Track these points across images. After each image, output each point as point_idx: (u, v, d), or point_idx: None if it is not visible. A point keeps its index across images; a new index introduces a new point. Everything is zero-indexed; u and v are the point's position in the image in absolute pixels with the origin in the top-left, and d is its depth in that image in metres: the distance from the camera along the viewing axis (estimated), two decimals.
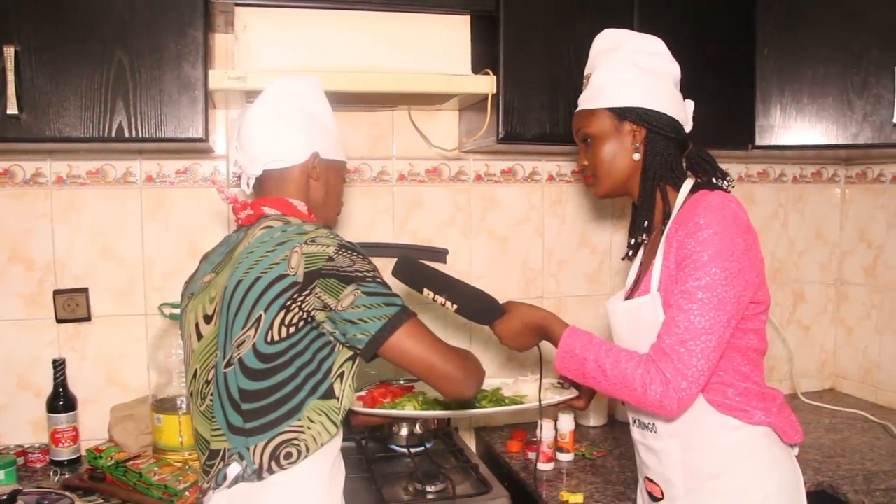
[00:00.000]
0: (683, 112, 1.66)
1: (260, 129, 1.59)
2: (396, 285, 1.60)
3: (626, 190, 1.69)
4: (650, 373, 1.45)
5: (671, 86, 1.65)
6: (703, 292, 1.44)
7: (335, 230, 1.56)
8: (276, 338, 1.41)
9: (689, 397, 1.44)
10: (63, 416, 2.21)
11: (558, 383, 1.98)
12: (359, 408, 1.86)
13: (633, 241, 1.74)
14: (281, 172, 1.60)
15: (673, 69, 1.66)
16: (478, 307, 1.70)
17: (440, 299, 1.69)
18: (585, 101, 1.69)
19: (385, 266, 1.72)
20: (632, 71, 1.62)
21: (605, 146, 1.66)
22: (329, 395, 1.47)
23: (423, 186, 2.57)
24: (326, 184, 1.66)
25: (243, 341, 1.43)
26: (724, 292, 1.44)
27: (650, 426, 1.64)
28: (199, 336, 1.54)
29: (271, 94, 1.61)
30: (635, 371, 1.46)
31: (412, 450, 2.33)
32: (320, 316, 1.42)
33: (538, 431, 2.21)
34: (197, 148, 2.18)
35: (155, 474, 2.02)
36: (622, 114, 1.63)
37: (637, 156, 1.63)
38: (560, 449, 2.31)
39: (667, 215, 1.62)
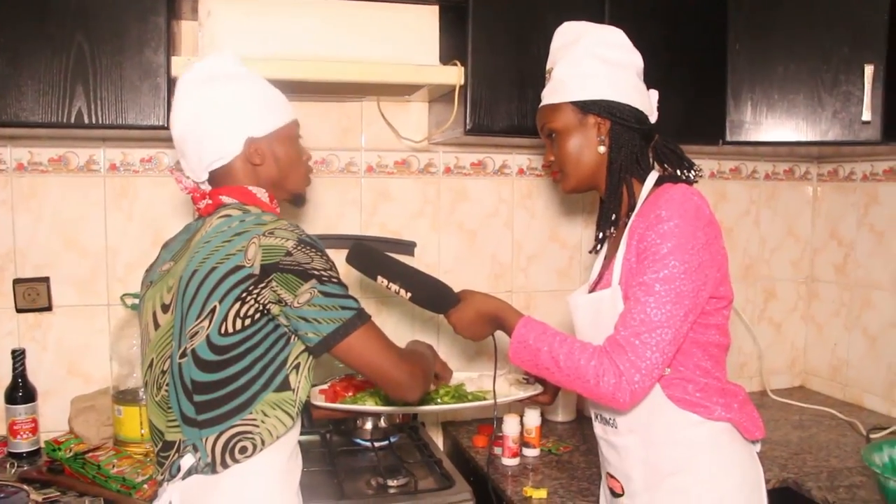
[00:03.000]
0: (648, 102, 1.65)
1: (186, 136, 1.55)
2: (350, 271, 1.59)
3: (593, 184, 1.67)
4: (603, 364, 1.43)
5: (634, 76, 1.63)
6: (660, 285, 1.43)
7: (296, 216, 1.54)
8: (231, 329, 1.39)
9: (641, 390, 1.43)
10: (22, 408, 2.17)
11: (524, 379, 1.96)
12: (319, 402, 1.85)
13: (600, 234, 1.72)
14: (226, 168, 1.55)
15: (635, 59, 1.64)
16: (432, 295, 1.69)
17: (394, 287, 1.68)
18: (548, 96, 1.68)
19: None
20: (593, 63, 1.61)
21: (571, 140, 1.64)
22: (284, 387, 1.46)
23: (392, 178, 2.54)
24: (276, 160, 1.58)
25: (197, 332, 1.41)
26: (682, 285, 1.43)
27: (611, 421, 1.63)
28: (157, 325, 1.52)
29: (184, 89, 1.55)
30: (589, 362, 1.45)
31: (376, 444, 2.30)
32: (275, 309, 1.41)
33: (500, 426, 2.21)
34: (161, 136, 2.14)
35: (114, 466, 1.99)
36: (586, 107, 1.61)
37: (602, 148, 1.62)
38: (526, 444, 2.30)
39: (631, 208, 1.61)
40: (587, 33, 1.64)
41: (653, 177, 1.61)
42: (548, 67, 1.71)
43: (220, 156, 1.54)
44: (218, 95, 1.54)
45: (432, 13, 2.15)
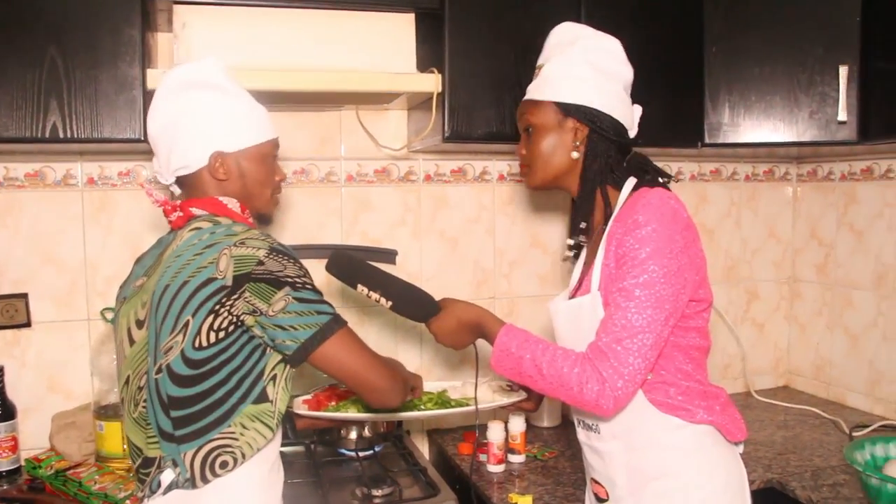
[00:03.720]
0: (630, 117, 1.65)
1: (159, 135, 1.54)
2: (331, 280, 1.58)
3: (559, 185, 1.67)
4: (586, 371, 1.43)
5: (621, 89, 1.63)
6: (640, 290, 1.43)
7: (269, 231, 1.53)
8: (205, 343, 1.38)
9: (625, 396, 1.43)
10: (1, 426, 2.13)
11: (507, 385, 1.96)
12: (302, 411, 1.84)
13: (571, 242, 1.72)
14: (191, 177, 1.54)
15: (626, 72, 1.65)
16: (412, 304, 1.68)
17: (374, 295, 1.67)
18: (533, 91, 1.67)
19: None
20: (584, 68, 1.61)
21: (546, 139, 1.64)
22: (262, 398, 1.45)
23: (372, 187, 2.54)
24: (242, 176, 1.55)
25: (171, 347, 1.39)
26: (662, 290, 1.43)
27: (594, 427, 1.63)
28: (132, 341, 1.51)
29: (164, 90, 1.54)
30: (571, 370, 1.44)
31: (361, 453, 2.29)
32: (249, 320, 1.39)
33: (485, 433, 2.22)
34: (138, 149, 2.13)
35: (95, 483, 1.98)
36: (567, 109, 1.61)
37: (576, 154, 1.62)
38: (511, 450, 2.29)
39: (608, 214, 1.60)
40: (585, 37, 1.65)
41: (630, 182, 1.61)
42: (539, 62, 1.70)
43: (185, 164, 1.53)
44: (193, 103, 1.52)
45: (409, 21, 2.15)
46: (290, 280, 1.39)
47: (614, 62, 1.64)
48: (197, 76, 1.55)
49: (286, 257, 1.42)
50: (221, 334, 1.38)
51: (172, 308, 1.39)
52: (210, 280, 1.38)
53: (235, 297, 1.37)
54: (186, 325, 1.38)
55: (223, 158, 1.53)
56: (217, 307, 1.37)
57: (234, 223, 1.49)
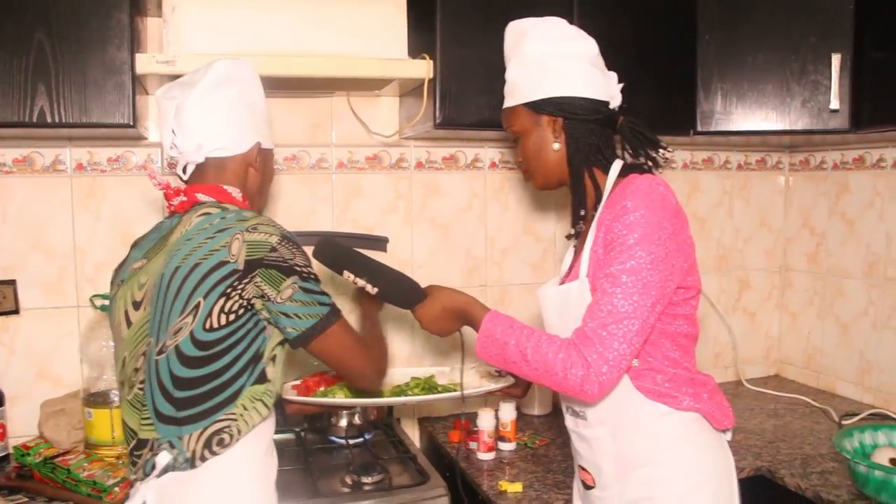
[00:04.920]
0: (605, 88, 1.62)
1: (204, 115, 1.55)
2: (324, 268, 1.60)
3: (561, 180, 1.67)
4: (571, 357, 1.43)
5: (585, 64, 1.61)
6: (627, 276, 1.43)
7: (268, 214, 1.56)
8: (216, 325, 1.41)
9: (610, 381, 1.42)
10: None
11: (495, 371, 1.96)
12: (291, 396, 1.85)
13: (572, 231, 1.72)
14: (222, 161, 1.57)
15: (583, 47, 1.62)
16: (398, 291, 1.69)
17: (360, 282, 1.68)
18: (505, 99, 1.70)
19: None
20: (540, 60, 1.60)
21: (530, 141, 1.65)
22: (262, 379, 1.47)
23: (364, 174, 2.53)
24: (264, 174, 1.66)
25: (180, 328, 1.41)
26: (650, 276, 1.43)
27: (581, 414, 1.62)
28: (129, 323, 1.52)
29: (213, 78, 1.56)
30: (556, 355, 1.44)
31: (351, 441, 2.29)
32: (258, 304, 1.43)
33: (476, 420, 2.21)
34: (128, 135, 2.12)
35: (84, 470, 1.97)
36: (538, 107, 1.61)
37: (557, 146, 1.62)
38: (502, 438, 2.29)
39: (598, 200, 1.60)
40: (530, 30, 1.64)
41: (617, 165, 1.60)
42: (506, 68, 1.70)
43: (227, 146, 1.56)
44: (246, 95, 1.60)
45: (400, 7, 2.14)
46: (298, 269, 1.44)
47: (566, 41, 1.62)
48: (242, 73, 1.61)
49: (296, 246, 1.47)
50: (232, 317, 1.41)
51: (183, 290, 1.41)
52: (222, 263, 1.40)
53: (246, 281, 1.41)
54: (197, 306, 1.40)
55: (261, 151, 1.62)
56: (229, 290, 1.40)
57: (242, 210, 1.53)
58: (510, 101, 1.67)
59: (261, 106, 1.64)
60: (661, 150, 1.63)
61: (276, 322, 1.46)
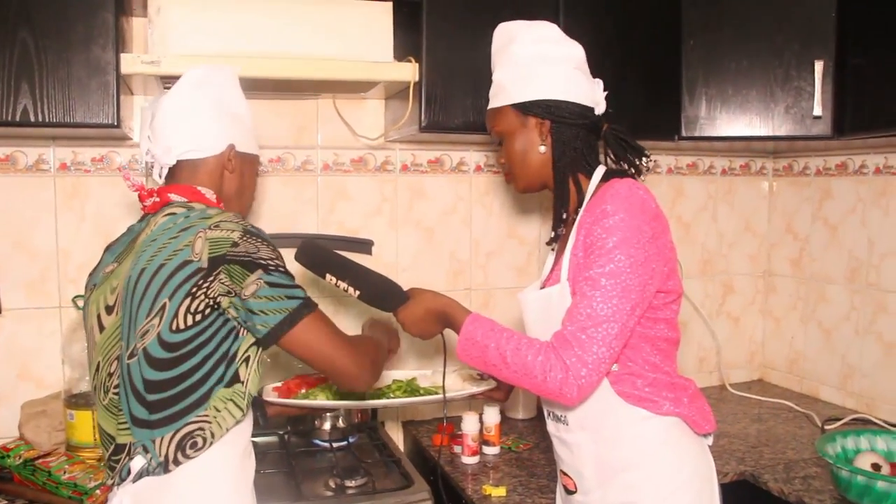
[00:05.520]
0: (591, 94, 1.64)
1: (175, 118, 1.56)
2: (302, 270, 1.58)
3: (543, 183, 1.68)
4: (550, 360, 1.43)
5: (572, 70, 1.62)
6: (606, 279, 1.43)
7: (255, 220, 1.54)
8: (182, 326, 1.39)
9: (588, 385, 1.43)
10: None
11: (477, 375, 1.96)
12: (272, 398, 1.84)
13: (552, 234, 1.72)
14: (195, 163, 1.57)
15: (571, 52, 1.64)
16: (380, 293, 1.69)
17: (343, 285, 1.68)
18: (492, 100, 1.70)
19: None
20: (529, 62, 1.61)
21: (515, 143, 1.66)
22: (234, 380, 1.45)
23: (349, 176, 2.52)
24: (241, 177, 1.65)
25: (147, 331, 1.39)
26: (629, 280, 1.43)
27: (562, 418, 1.63)
28: (101, 328, 1.50)
29: (187, 82, 1.58)
30: (536, 358, 1.44)
31: (335, 444, 2.29)
32: (224, 302, 1.40)
33: (460, 424, 2.21)
34: (113, 135, 2.11)
35: (65, 472, 1.96)
36: (525, 108, 1.62)
37: (544, 148, 1.63)
38: (486, 442, 2.29)
39: (580, 204, 1.61)
40: (519, 33, 1.65)
41: (599, 171, 1.61)
42: (492, 69, 1.71)
43: (198, 147, 1.56)
44: (221, 98, 1.61)
45: (386, 9, 2.13)
46: (262, 262, 1.41)
47: (555, 46, 1.64)
48: (219, 78, 1.63)
49: (259, 239, 1.44)
50: (199, 317, 1.39)
51: (149, 291, 1.40)
52: (186, 262, 1.39)
53: (211, 279, 1.38)
54: (163, 307, 1.38)
55: (234, 152, 1.61)
56: (193, 289, 1.38)
57: (208, 207, 1.51)
58: (497, 101, 1.67)
59: (236, 108, 1.64)
60: (644, 159, 1.63)
61: (245, 321, 1.42)
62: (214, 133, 1.58)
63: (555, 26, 1.67)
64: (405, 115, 2.16)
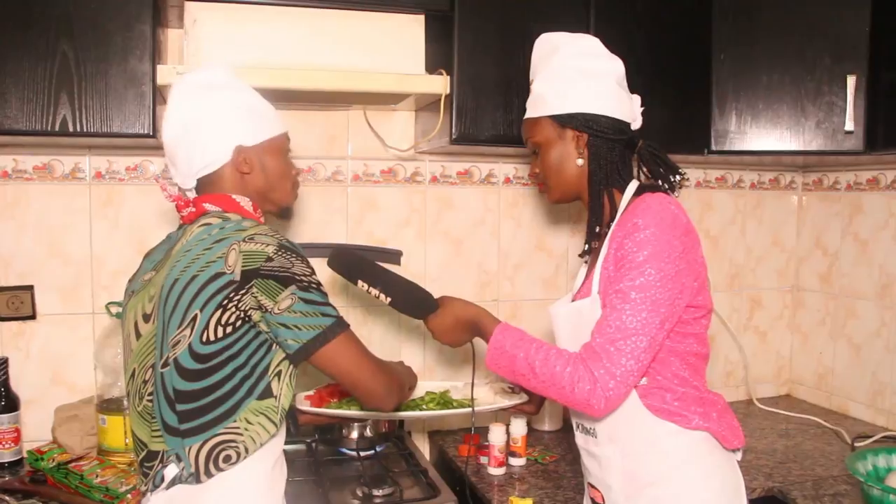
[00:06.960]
0: (629, 109, 1.65)
1: (176, 143, 1.55)
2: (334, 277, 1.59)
3: (577, 194, 1.69)
4: (579, 371, 1.43)
5: (613, 84, 1.63)
6: (636, 292, 1.43)
7: (282, 226, 1.54)
8: (212, 338, 1.39)
9: (616, 397, 1.43)
10: (4, 417, 2.15)
11: (509, 388, 1.97)
12: (304, 406, 1.85)
13: (586, 246, 1.73)
14: (212, 176, 1.56)
15: (613, 67, 1.65)
16: (411, 301, 1.70)
17: (374, 291, 1.70)
18: (529, 110, 1.70)
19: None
20: (570, 75, 1.62)
21: (551, 154, 1.66)
22: (266, 394, 1.45)
23: (378, 187, 2.54)
24: (263, 170, 1.59)
25: (179, 341, 1.40)
26: (658, 293, 1.44)
27: (591, 431, 1.63)
28: (138, 335, 1.52)
29: (174, 101, 1.56)
30: (564, 369, 1.45)
31: (362, 453, 2.30)
32: (256, 315, 1.41)
33: (487, 435, 2.21)
34: (147, 144, 2.14)
35: (97, 476, 1.98)
36: (564, 121, 1.62)
37: (581, 161, 1.63)
38: (512, 453, 2.30)
39: (612, 218, 1.61)
40: (563, 45, 1.66)
41: (633, 186, 1.62)
42: (530, 79, 1.72)
43: (208, 163, 1.55)
44: (209, 103, 1.56)
45: (418, 22, 2.15)
46: (297, 278, 1.41)
47: (598, 60, 1.64)
48: (206, 80, 1.59)
49: (295, 255, 1.44)
50: (229, 329, 1.39)
51: (181, 302, 1.41)
52: (218, 275, 1.39)
53: (243, 292, 1.38)
54: (194, 319, 1.39)
55: (245, 152, 1.57)
56: (225, 302, 1.38)
57: (244, 219, 1.51)
58: (535, 111, 1.67)
59: (236, 101, 1.58)
60: (676, 176, 1.64)
61: (275, 335, 1.42)
62: (216, 143, 1.54)
63: (598, 40, 1.68)
64: (436, 127, 2.17)
